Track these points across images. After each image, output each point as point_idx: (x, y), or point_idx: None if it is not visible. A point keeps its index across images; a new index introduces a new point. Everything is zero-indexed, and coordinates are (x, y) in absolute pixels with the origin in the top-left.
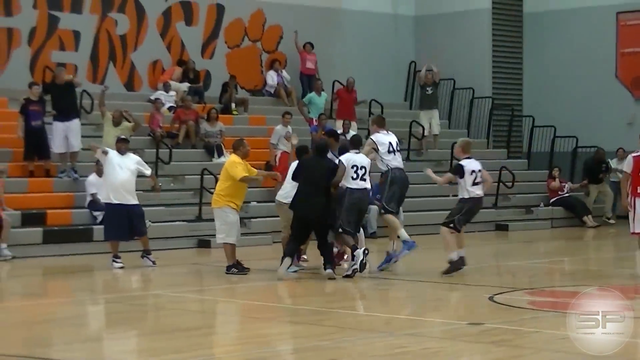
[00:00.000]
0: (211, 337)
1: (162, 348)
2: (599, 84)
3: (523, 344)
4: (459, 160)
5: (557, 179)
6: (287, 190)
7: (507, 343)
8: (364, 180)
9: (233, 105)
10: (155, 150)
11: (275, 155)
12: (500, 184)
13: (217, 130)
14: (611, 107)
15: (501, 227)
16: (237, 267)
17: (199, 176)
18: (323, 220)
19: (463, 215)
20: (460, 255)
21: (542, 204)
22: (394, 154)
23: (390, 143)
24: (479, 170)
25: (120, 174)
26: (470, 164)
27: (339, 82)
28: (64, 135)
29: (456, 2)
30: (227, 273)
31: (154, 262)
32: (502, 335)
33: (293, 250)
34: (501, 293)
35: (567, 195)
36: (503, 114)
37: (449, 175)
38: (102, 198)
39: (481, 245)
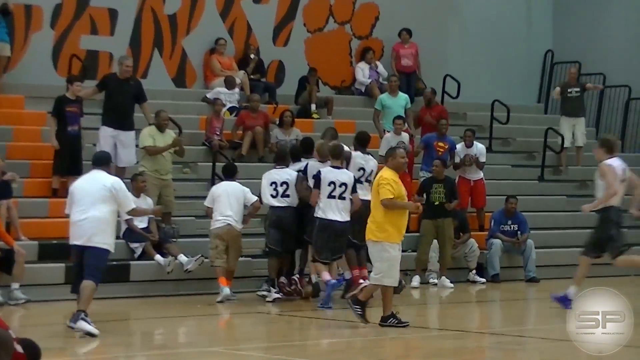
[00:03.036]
0: None
1: None
2: None
3: None
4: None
5: None
6: None
7: None
8: (286, 196)
9: (313, 106)
10: (211, 163)
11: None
12: None
13: (292, 139)
14: None
15: None
16: (395, 317)
17: None
18: None
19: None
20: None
21: None
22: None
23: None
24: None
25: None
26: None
27: (452, 77)
28: (113, 145)
29: None
30: (383, 325)
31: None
32: None
33: None
34: None
35: None
36: None
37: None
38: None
39: None
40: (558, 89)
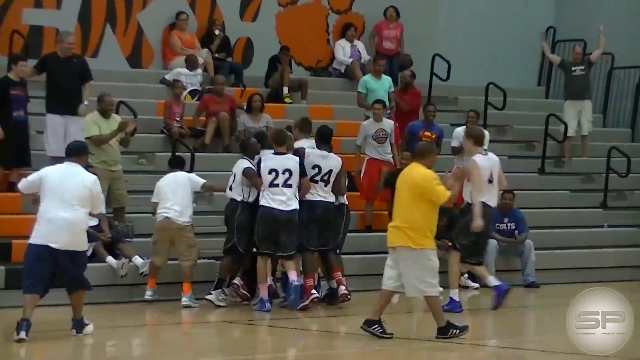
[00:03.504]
0: None
1: None
2: None
3: None
4: None
5: None
6: None
7: None
8: (230, 188)
9: (285, 89)
10: (170, 153)
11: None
12: None
13: (261, 126)
14: None
15: None
16: (381, 325)
17: None
18: None
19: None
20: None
21: None
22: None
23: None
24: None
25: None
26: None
27: (441, 57)
28: (63, 134)
29: None
30: (366, 329)
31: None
32: None
33: None
34: None
35: None
36: None
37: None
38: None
39: None
40: (558, 58)
